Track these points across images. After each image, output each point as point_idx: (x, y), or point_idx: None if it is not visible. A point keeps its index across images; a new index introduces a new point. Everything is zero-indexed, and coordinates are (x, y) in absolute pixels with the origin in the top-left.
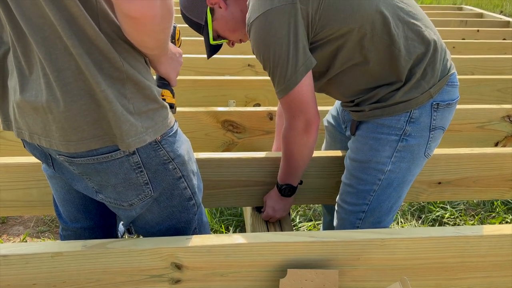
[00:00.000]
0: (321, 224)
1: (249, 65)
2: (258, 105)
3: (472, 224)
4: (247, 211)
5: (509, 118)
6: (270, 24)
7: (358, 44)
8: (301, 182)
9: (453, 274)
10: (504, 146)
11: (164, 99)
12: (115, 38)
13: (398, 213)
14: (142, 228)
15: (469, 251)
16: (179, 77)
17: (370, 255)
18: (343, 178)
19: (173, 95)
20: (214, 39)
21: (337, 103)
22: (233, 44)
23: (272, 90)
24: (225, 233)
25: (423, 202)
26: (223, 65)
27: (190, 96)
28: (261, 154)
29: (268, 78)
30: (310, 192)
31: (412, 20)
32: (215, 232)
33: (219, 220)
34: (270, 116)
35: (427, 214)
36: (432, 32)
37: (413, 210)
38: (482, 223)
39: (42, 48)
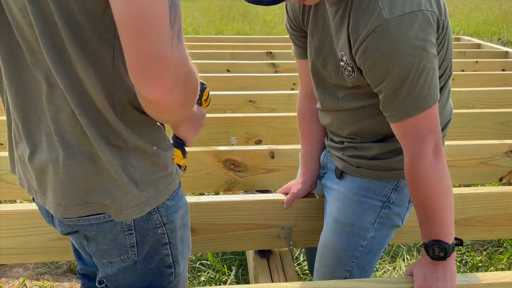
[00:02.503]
0: None
1: (250, 101)
2: (260, 141)
3: (480, 260)
4: (250, 255)
5: None
6: (419, 26)
7: None
8: (460, 242)
9: None
10: (508, 181)
11: (172, 159)
12: (127, 106)
13: (403, 248)
14: (112, 284)
15: None
16: None
17: None
18: (323, 238)
19: (184, 155)
20: None
21: None
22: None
23: (273, 126)
24: (228, 273)
25: None
26: (224, 101)
27: None
28: (263, 197)
29: (269, 114)
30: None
31: (449, 100)
32: (217, 272)
33: (221, 259)
34: (272, 154)
35: None
36: (451, 117)
37: (419, 245)
38: (490, 258)
39: (52, 108)
